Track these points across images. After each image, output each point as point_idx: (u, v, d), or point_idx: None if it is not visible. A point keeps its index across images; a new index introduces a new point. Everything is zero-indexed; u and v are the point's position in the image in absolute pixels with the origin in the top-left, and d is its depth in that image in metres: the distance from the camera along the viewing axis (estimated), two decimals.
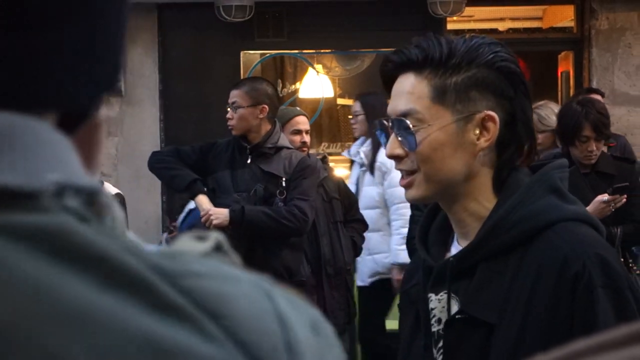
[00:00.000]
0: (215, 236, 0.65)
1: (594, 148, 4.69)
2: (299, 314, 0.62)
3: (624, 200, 4.67)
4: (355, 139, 6.41)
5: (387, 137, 1.79)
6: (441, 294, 1.75)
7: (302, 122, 5.67)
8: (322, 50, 8.95)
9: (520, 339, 1.64)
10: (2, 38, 0.57)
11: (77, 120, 0.63)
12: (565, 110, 4.88)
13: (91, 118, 0.64)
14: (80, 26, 0.61)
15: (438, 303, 1.76)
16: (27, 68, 0.58)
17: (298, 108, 6.19)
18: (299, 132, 5.61)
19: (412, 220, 4.48)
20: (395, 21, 7.98)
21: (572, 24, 8.57)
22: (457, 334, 1.72)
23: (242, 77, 7.51)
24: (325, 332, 0.64)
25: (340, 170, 8.38)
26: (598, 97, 5.92)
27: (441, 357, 1.74)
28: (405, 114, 1.72)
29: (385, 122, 1.81)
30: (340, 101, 10.85)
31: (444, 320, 1.74)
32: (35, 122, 0.58)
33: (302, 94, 9.08)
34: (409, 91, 1.74)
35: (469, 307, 1.70)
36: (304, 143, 5.59)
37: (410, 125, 1.71)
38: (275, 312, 0.60)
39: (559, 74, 9.31)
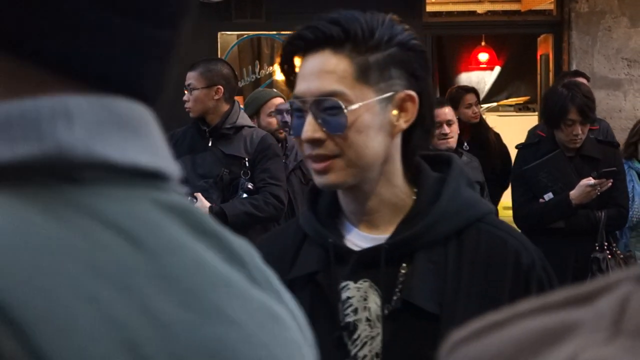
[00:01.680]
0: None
1: (580, 132, 4.64)
2: None
3: (610, 184, 4.64)
4: None
5: (293, 119, 1.68)
6: (360, 282, 1.68)
7: (280, 103, 5.62)
8: None
9: None
10: (159, 33, 0.64)
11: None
12: (551, 93, 4.82)
13: None
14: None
15: (357, 292, 1.68)
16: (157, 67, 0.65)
17: (275, 90, 6.12)
18: None
19: None
20: (374, 3, 7.88)
21: (551, 6, 8.52)
22: (395, 326, 1.65)
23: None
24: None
25: None
26: (583, 80, 5.88)
27: (356, 348, 1.67)
28: (331, 95, 1.61)
29: (300, 103, 1.65)
30: None
31: (360, 309, 1.67)
32: (148, 112, 0.66)
33: (279, 76, 8.99)
34: (330, 70, 1.62)
35: (413, 297, 1.63)
36: None
37: (343, 106, 1.60)
38: None
39: (538, 57, 9.28)
